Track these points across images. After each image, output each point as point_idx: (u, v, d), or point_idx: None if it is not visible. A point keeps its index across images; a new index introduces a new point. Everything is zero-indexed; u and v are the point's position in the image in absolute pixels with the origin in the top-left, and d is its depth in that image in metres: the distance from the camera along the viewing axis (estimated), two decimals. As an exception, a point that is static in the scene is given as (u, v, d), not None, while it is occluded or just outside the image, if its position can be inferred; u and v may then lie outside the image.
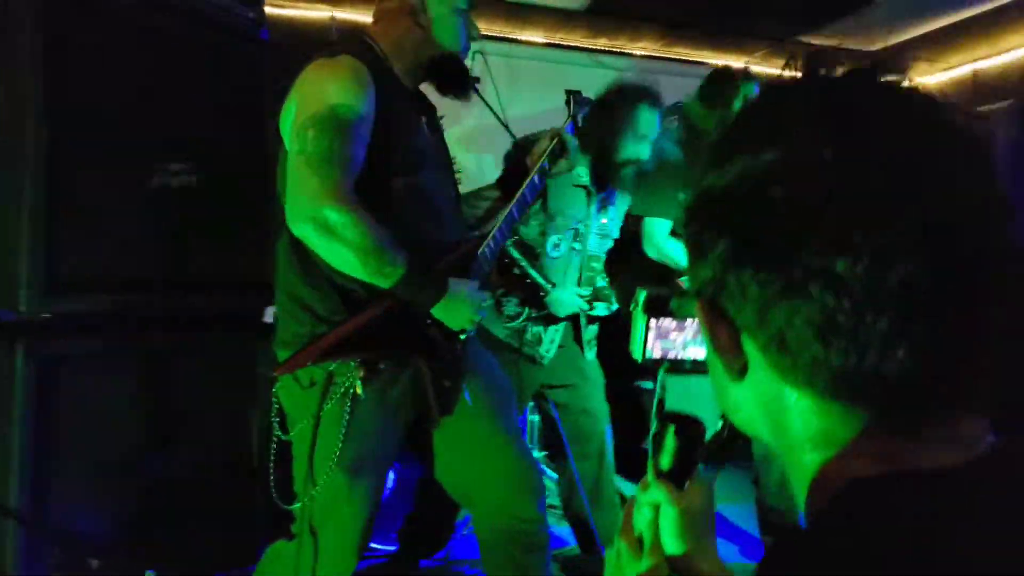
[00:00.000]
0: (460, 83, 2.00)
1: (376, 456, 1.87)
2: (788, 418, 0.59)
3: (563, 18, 4.70)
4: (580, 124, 2.40)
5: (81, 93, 2.03)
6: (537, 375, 2.84)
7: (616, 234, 3.00)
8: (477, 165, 4.57)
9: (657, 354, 2.26)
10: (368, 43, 1.91)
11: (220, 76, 2.41)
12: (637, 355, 3.11)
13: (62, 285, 1.96)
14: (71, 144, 1.98)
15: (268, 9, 2.74)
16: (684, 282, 3.07)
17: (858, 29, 4.82)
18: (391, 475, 3.18)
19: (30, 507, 1.90)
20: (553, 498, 3.12)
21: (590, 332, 2.95)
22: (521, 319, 2.76)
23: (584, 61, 5.10)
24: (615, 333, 3.70)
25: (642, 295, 2.14)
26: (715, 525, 0.85)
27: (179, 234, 2.21)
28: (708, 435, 0.84)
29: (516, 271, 2.73)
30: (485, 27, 4.98)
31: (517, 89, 4.07)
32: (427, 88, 2.09)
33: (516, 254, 2.73)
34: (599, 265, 2.93)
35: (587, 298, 2.84)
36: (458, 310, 1.79)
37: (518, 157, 2.30)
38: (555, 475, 3.23)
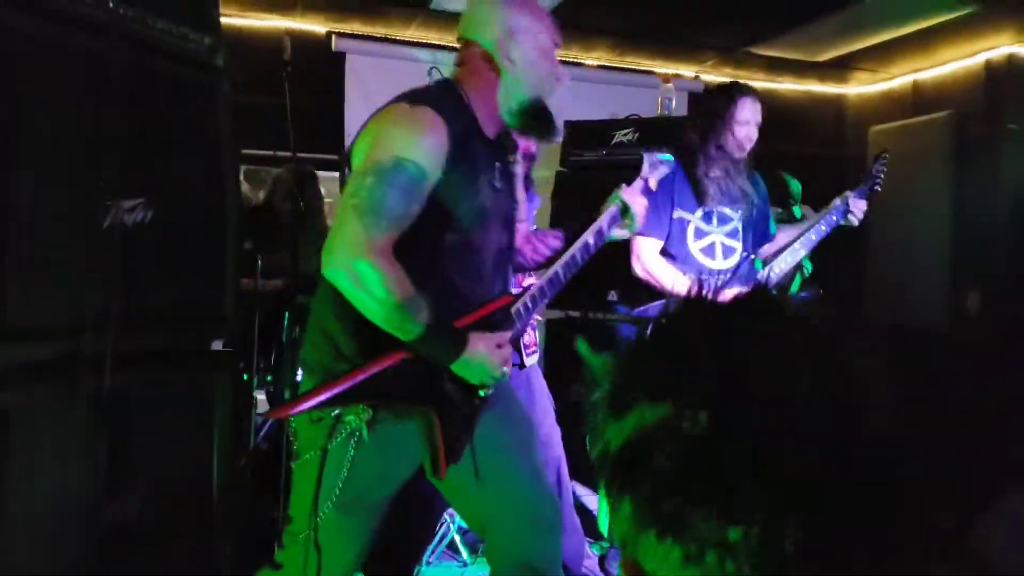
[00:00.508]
0: (544, 128, 1.95)
1: (373, 498, 1.86)
2: None
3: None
4: (653, 187, 2.34)
5: (24, 128, 1.96)
6: None
7: None
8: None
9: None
10: (455, 90, 1.88)
11: (174, 106, 2.36)
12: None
13: (6, 333, 1.89)
14: (13, 183, 1.91)
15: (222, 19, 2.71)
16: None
17: (804, 41, 4.95)
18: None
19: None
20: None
21: (528, 337, 2.98)
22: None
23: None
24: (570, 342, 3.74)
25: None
26: None
27: (131, 271, 2.15)
28: None
29: None
30: (439, 37, 5.04)
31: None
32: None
33: None
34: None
35: None
36: (478, 367, 1.77)
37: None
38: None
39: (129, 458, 2.20)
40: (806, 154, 6.02)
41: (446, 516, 2.99)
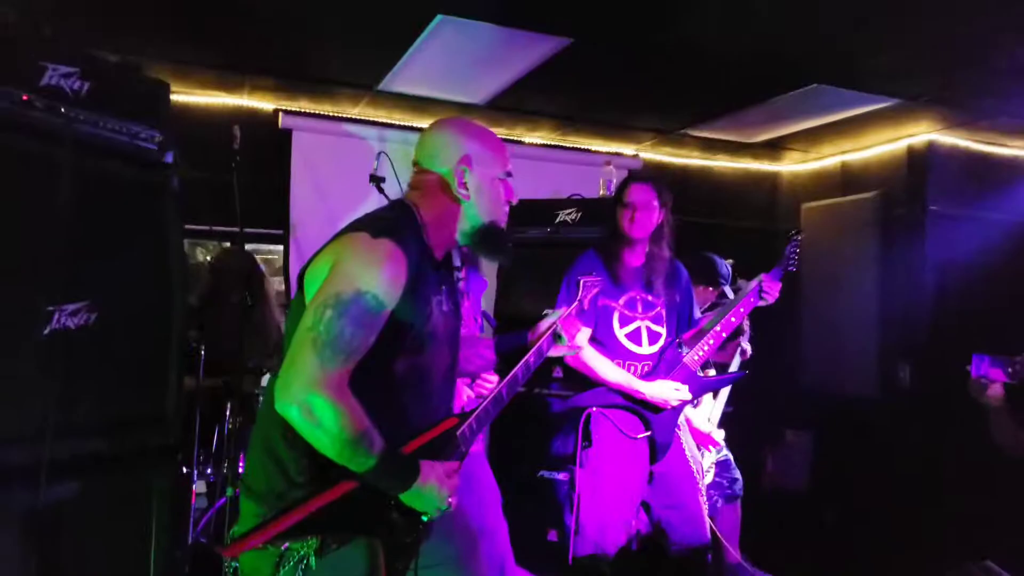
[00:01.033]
0: (496, 250, 2.01)
1: None
2: None
3: (462, 110, 4.84)
4: (587, 307, 2.48)
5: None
6: None
7: None
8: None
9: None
10: (411, 215, 1.91)
11: (122, 206, 2.37)
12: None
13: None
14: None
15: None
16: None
17: (740, 125, 5.16)
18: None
19: None
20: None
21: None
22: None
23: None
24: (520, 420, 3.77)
25: None
26: None
27: (72, 376, 2.12)
28: None
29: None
30: (386, 116, 5.11)
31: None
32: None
33: None
34: None
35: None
36: (426, 497, 1.79)
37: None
38: None
39: (62, 569, 2.15)
40: (741, 227, 6.24)
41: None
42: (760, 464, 4.83)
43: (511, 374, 2.15)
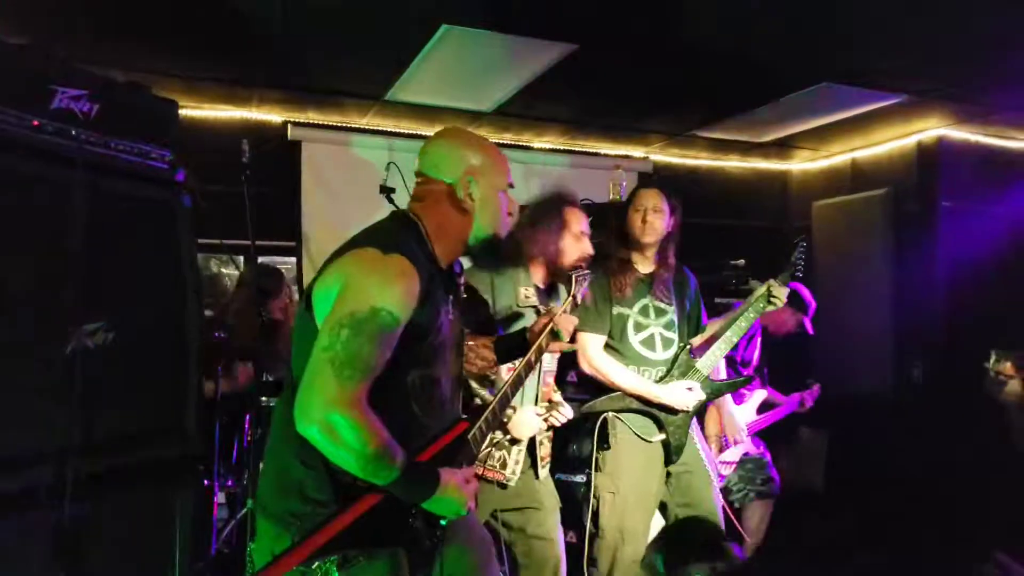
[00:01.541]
0: (500, 261, 2.06)
1: None
2: None
3: (470, 118, 4.86)
4: (580, 302, 2.52)
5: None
6: (491, 498, 2.82)
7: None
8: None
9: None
10: (416, 227, 1.91)
11: (135, 226, 2.39)
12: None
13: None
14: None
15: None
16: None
17: (749, 125, 5.16)
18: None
19: None
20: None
21: (543, 450, 2.96)
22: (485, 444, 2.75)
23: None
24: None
25: None
26: None
27: (92, 395, 2.15)
28: None
29: (477, 400, 2.69)
30: (395, 125, 5.14)
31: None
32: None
33: (473, 383, 2.68)
34: (551, 379, 2.99)
35: (544, 415, 2.85)
36: (448, 503, 1.80)
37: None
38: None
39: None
40: (753, 227, 6.23)
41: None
42: (776, 461, 4.83)
43: (514, 374, 2.17)
